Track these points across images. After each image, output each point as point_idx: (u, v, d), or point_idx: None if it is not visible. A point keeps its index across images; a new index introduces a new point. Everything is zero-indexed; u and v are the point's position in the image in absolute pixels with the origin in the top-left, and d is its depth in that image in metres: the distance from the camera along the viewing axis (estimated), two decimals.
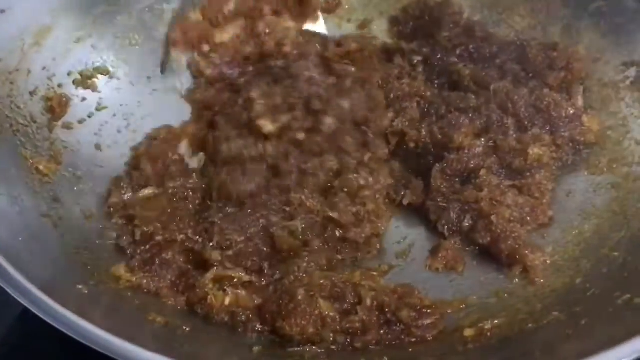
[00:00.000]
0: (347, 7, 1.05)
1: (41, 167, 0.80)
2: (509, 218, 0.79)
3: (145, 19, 0.98)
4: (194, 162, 0.87)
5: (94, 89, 0.92)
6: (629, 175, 0.84)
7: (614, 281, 0.71)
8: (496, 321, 0.71)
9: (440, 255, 0.79)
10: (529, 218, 0.80)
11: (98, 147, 0.88)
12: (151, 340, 0.63)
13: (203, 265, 0.75)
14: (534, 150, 0.82)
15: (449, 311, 0.73)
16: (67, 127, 0.87)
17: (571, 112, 0.86)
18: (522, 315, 0.71)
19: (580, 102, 0.90)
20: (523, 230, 0.79)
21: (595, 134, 0.87)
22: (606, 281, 0.72)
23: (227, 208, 0.79)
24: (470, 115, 0.86)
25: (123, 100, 0.93)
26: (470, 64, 0.92)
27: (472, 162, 0.83)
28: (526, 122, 0.85)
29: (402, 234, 0.84)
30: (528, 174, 0.82)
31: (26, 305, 0.59)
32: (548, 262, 0.77)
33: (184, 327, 0.68)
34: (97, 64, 0.93)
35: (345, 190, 0.81)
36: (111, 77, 0.94)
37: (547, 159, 0.83)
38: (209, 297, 0.71)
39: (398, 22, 1.02)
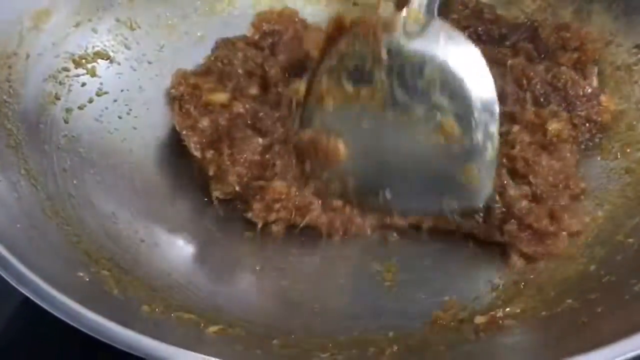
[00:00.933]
0: None
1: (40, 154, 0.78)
2: (547, 178, 0.77)
3: (146, 2, 0.96)
4: None
5: (93, 74, 0.90)
6: None
7: (629, 268, 0.69)
8: (508, 309, 0.69)
9: None
10: (561, 185, 0.78)
11: (99, 133, 0.86)
12: (152, 328, 0.62)
13: None
14: (553, 126, 0.80)
15: None
16: (67, 112, 0.85)
17: (589, 90, 0.84)
18: (535, 303, 0.69)
19: (595, 82, 0.88)
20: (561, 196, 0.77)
21: (612, 114, 0.85)
22: (621, 268, 0.70)
23: None
24: None
25: (124, 85, 0.91)
26: (480, 44, 0.89)
27: None
28: (542, 99, 0.83)
29: None
30: (552, 147, 0.80)
31: (26, 293, 0.57)
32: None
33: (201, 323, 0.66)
34: (97, 49, 0.92)
35: None
36: (112, 62, 0.92)
37: (566, 136, 0.81)
38: None
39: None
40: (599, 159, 0.84)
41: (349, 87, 0.78)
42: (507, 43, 0.90)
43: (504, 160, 0.78)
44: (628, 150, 0.83)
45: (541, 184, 0.77)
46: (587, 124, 0.84)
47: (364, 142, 0.78)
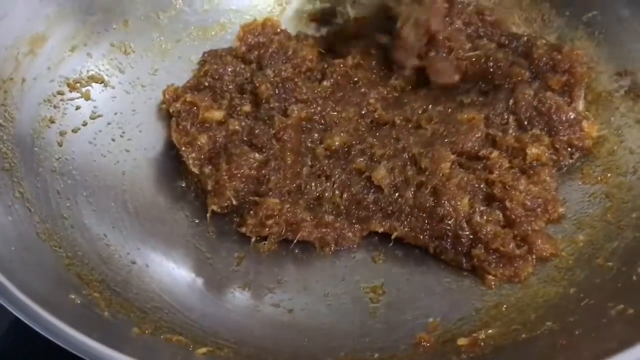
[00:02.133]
0: None
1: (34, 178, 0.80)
2: (523, 203, 0.79)
3: (140, 27, 0.99)
4: None
5: (88, 97, 0.92)
6: (622, 184, 0.83)
7: (608, 291, 0.71)
8: (490, 331, 0.71)
9: None
10: (539, 210, 0.80)
11: (92, 155, 0.88)
12: (141, 350, 0.63)
13: None
14: (532, 150, 0.83)
15: None
16: (61, 135, 0.87)
17: (572, 116, 0.86)
18: (516, 325, 0.71)
19: (581, 106, 0.90)
20: (537, 220, 0.79)
21: (594, 140, 0.87)
22: (600, 291, 0.72)
23: None
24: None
25: (118, 108, 0.93)
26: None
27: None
28: (526, 122, 0.86)
29: None
30: (531, 171, 0.82)
31: (18, 315, 0.59)
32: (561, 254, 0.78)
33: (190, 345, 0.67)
34: (92, 72, 0.94)
35: None
36: (106, 86, 0.94)
37: (546, 160, 0.83)
38: None
39: None
40: (580, 183, 0.86)
41: None
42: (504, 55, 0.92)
43: (482, 186, 0.81)
44: (609, 175, 0.85)
45: (516, 208, 0.79)
46: (569, 149, 0.86)
47: None
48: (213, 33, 1.04)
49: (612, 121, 0.90)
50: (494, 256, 0.77)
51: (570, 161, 0.86)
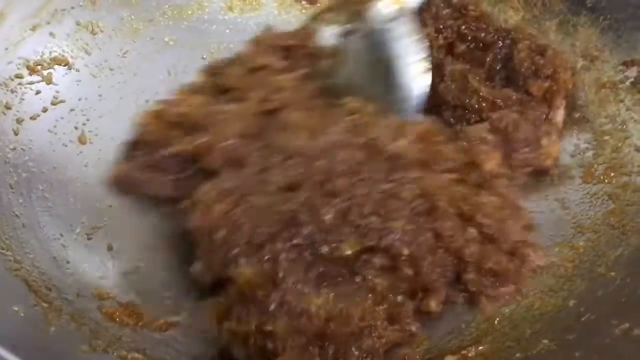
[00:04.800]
0: None
1: None
2: (493, 215, 0.72)
3: (109, 4, 0.91)
4: None
5: (49, 81, 0.85)
6: (627, 185, 0.78)
7: (611, 306, 0.66)
8: (481, 347, 0.65)
9: None
10: (509, 221, 0.73)
11: (52, 145, 0.81)
12: None
13: None
14: (485, 166, 0.77)
15: None
16: (18, 122, 0.80)
17: (530, 135, 0.80)
18: (510, 342, 0.66)
19: (559, 116, 0.83)
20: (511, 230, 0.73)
21: (554, 160, 0.81)
22: (602, 305, 0.66)
23: None
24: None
25: (82, 93, 0.86)
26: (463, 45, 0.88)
27: None
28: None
29: None
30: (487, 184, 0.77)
31: None
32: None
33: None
34: (55, 54, 0.86)
35: None
36: (70, 68, 0.87)
37: (499, 173, 0.77)
38: None
39: None
40: (580, 182, 0.80)
41: None
42: (487, 59, 0.86)
43: (449, 209, 0.72)
44: (612, 174, 0.79)
45: (488, 222, 0.72)
46: (526, 167, 0.80)
47: None
48: (190, 12, 0.97)
49: (616, 115, 0.84)
50: (487, 277, 0.70)
51: (529, 179, 0.80)
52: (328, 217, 0.67)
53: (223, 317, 0.64)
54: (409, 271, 0.67)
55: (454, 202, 0.71)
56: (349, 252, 0.66)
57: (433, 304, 0.67)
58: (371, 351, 0.63)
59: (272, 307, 0.62)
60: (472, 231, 0.71)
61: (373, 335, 0.63)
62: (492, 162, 0.77)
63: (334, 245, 0.66)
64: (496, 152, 0.78)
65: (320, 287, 0.64)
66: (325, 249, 0.66)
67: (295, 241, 0.66)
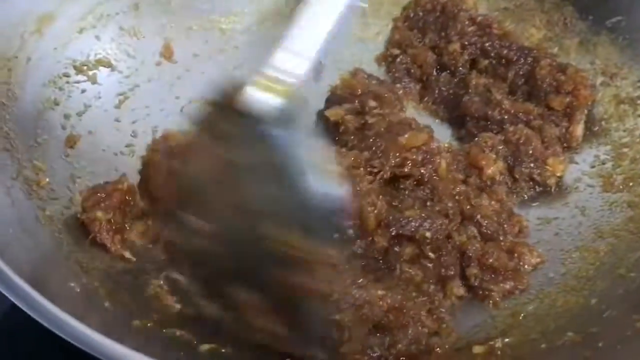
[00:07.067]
0: None
1: (35, 161, 0.77)
2: (492, 216, 0.76)
3: (152, 12, 0.96)
4: None
5: (94, 81, 0.89)
6: None
7: (631, 303, 0.68)
8: (507, 339, 0.68)
9: None
10: (505, 226, 0.77)
11: (95, 141, 0.85)
12: (143, 343, 0.60)
13: None
14: (488, 170, 0.81)
15: None
16: (65, 118, 0.84)
17: (538, 151, 0.83)
18: (535, 334, 0.68)
19: (578, 131, 0.87)
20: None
21: (557, 179, 0.84)
22: (623, 303, 0.69)
23: None
24: None
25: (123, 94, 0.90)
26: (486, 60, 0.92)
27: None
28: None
29: None
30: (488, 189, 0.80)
31: (14, 300, 0.56)
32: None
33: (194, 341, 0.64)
34: (100, 56, 0.91)
35: None
36: (113, 70, 0.91)
37: (499, 179, 0.81)
38: None
39: (408, 17, 0.99)
40: (599, 190, 0.83)
41: None
42: (509, 75, 0.91)
43: (450, 204, 0.76)
44: (631, 184, 0.82)
45: (488, 222, 0.76)
46: (530, 182, 0.84)
47: None
48: (222, 26, 1.01)
49: (635, 129, 0.87)
50: (489, 273, 0.73)
51: (532, 193, 0.84)
52: None
53: None
54: (431, 255, 0.71)
55: (454, 198, 0.76)
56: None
57: (457, 289, 0.71)
58: (416, 341, 0.66)
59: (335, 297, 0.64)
60: (473, 229, 0.75)
61: (418, 324, 0.66)
62: (493, 169, 0.81)
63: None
64: (499, 161, 0.82)
65: (369, 280, 0.68)
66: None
67: None
